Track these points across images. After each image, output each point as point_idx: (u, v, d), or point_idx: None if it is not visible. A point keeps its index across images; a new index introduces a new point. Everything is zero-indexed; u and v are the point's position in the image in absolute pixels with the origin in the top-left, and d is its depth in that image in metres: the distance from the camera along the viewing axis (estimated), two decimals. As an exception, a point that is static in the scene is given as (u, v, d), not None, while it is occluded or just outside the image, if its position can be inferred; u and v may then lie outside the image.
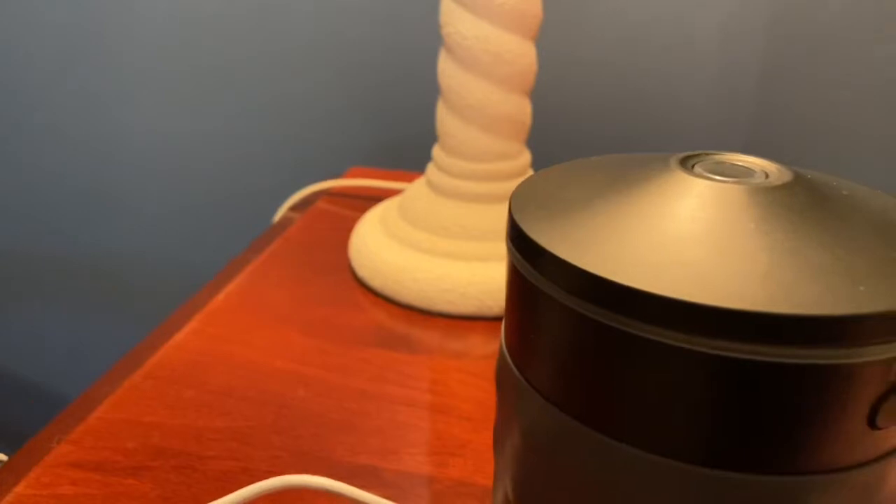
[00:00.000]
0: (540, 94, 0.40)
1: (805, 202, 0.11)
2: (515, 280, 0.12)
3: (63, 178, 0.73)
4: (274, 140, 0.66)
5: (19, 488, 0.26)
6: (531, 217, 0.12)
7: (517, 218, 0.12)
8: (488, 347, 0.35)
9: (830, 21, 0.52)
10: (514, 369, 0.13)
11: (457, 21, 0.36)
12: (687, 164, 0.12)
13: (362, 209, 0.46)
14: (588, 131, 0.58)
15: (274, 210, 0.52)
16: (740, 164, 0.13)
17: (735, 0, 0.52)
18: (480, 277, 0.38)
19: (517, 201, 0.13)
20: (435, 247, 0.39)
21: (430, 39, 0.40)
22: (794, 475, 0.10)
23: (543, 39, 0.39)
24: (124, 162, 0.71)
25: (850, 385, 0.10)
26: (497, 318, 0.38)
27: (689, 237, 0.11)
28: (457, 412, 0.31)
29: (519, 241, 0.12)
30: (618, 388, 0.11)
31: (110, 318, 0.79)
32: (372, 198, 0.49)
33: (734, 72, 0.55)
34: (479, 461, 0.28)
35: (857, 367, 0.10)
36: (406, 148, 0.60)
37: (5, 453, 0.28)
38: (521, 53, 0.37)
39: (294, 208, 0.52)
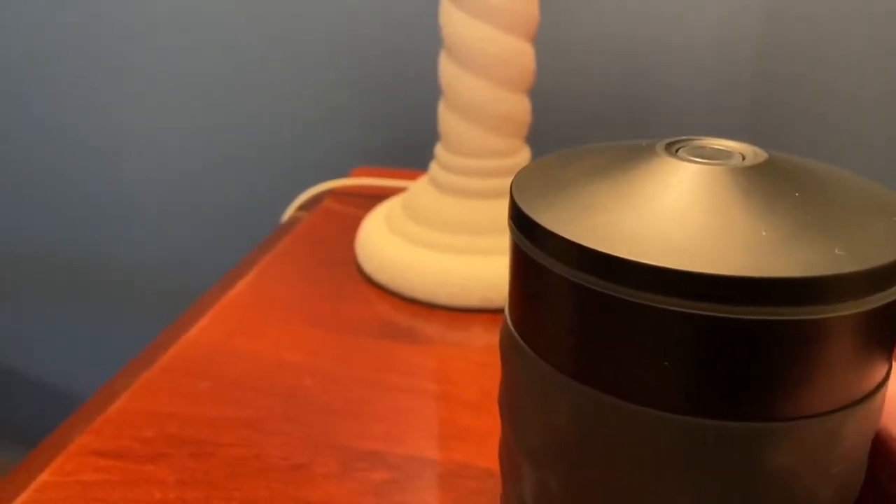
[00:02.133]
0: (540, 91, 0.41)
1: (778, 180, 0.13)
2: (515, 254, 0.14)
3: (73, 182, 0.74)
4: (281, 142, 0.68)
5: (44, 476, 0.27)
6: (528, 198, 0.13)
7: (516, 198, 0.14)
8: (489, 338, 0.37)
9: (828, 13, 0.53)
10: (515, 334, 0.14)
11: (455, 23, 0.37)
12: (671, 148, 0.14)
13: (368, 207, 0.48)
14: (588, 128, 0.59)
15: (281, 212, 0.54)
16: (719, 147, 0.14)
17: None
18: (482, 271, 0.39)
19: (517, 184, 0.14)
20: (438, 242, 0.40)
21: (432, 40, 0.42)
22: (761, 422, 0.11)
23: (545, 36, 0.40)
24: (130, 165, 0.72)
25: (816, 340, 0.11)
26: (498, 310, 0.39)
27: (670, 213, 0.12)
28: (458, 399, 0.32)
29: (518, 218, 0.13)
30: (603, 345, 0.12)
31: (121, 320, 0.80)
32: (377, 196, 0.50)
33: (732, 67, 0.56)
34: (480, 445, 0.29)
35: (825, 323, 0.11)
36: (410, 147, 0.61)
37: (16, 453, 0.29)
38: (519, 54, 0.38)
39: (302, 208, 0.53)
